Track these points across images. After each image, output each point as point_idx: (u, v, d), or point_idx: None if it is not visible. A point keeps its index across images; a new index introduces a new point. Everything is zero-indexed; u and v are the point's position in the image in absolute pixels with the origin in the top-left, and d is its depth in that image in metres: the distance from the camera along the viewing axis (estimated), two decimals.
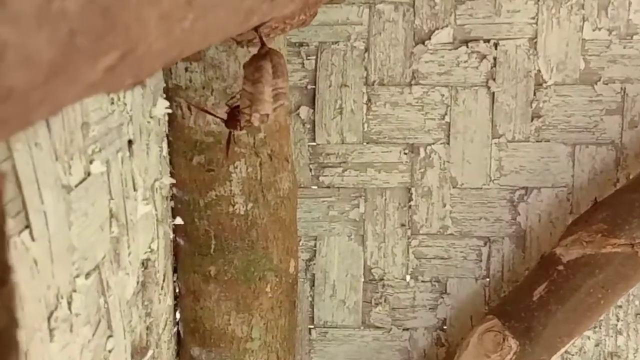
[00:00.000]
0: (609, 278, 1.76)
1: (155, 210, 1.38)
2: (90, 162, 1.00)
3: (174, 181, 1.63)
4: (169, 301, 1.59)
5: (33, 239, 0.82)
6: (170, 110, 1.56)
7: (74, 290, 0.93)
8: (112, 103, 1.09)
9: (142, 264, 1.27)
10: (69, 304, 0.91)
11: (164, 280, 1.54)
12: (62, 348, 0.89)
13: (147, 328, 1.30)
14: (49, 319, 0.86)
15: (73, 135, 0.94)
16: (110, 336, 1.07)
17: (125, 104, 1.15)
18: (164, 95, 1.54)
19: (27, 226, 0.81)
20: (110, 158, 1.08)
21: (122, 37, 0.51)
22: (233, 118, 1.19)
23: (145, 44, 0.56)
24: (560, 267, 1.79)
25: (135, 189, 1.21)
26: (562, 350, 1.82)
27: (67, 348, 0.90)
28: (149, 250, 1.32)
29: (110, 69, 0.52)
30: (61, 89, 0.47)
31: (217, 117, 1.33)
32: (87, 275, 0.98)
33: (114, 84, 0.61)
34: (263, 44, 1.26)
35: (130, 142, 1.19)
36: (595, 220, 1.78)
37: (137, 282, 1.23)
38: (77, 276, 0.94)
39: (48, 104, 0.47)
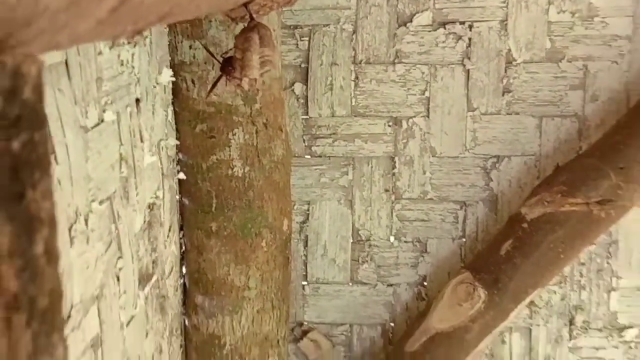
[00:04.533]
0: (567, 234, 1.96)
1: (161, 164, 1.60)
2: (104, 111, 1.22)
3: (178, 142, 1.85)
4: (174, 249, 1.81)
5: (57, 162, 1.04)
6: (173, 79, 1.77)
7: (90, 211, 1.15)
8: (122, 65, 1.31)
9: (149, 206, 1.49)
10: (86, 220, 1.13)
11: (169, 230, 1.76)
12: (80, 255, 1.11)
13: (153, 262, 1.52)
14: (69, 229, 1.08)
15: (89, 87, 1.16)
16: (120, 257, 1.29)
17: (133, 67, 1.37)
18: (170, 68, 1.76)
19: (52, 152, 1.03)
20: (120, 110, 1.30)
21: None
22: (227, 64, 1.40)
23: None
24: (525, 225, 1.99)
25: (142, 141, 1.43)
26: (527, 300, 2.03)
27: (84, 256, 1.12)
28: (155, 196, 1.54)
29: (112, 10, 0.74)
30: (77, 20, 0.69)
31: (216, 59, 1.53)
32: (101, 202, 1.20)
33: (118, 28, 0.83)
34: (252, 18, 1.48)
35: (137, 100, 1.41)
36: (556, 183, 1.98)
37: (144, 221, 1.45)
38: (93, 201, 1.17)
39: (69, 30, 0.69)
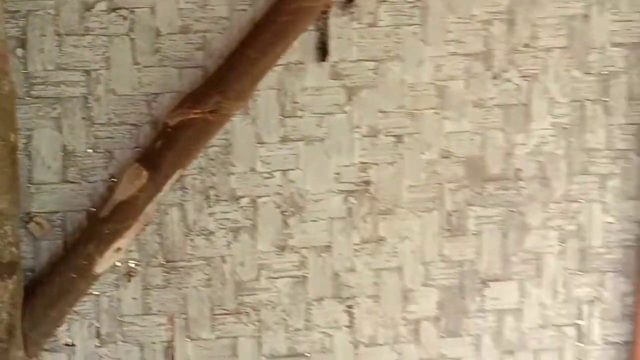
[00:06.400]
0: (194, 133, 3.24)
1: None
2: None
3: None
4: None
5: None
6: None
7: None
8: None
9: None
10: None
11: None
12: None
13: None
14: None
15: None
16: None
17: None
18: None
19: None
20: None
21: None
22: None
23: None
24: (169, 129, 3.25)
25: None
26: (174, 177, 3.27)
27: None
28: None
29: None
30: None
31: None
32: None
33: None
34: None
35: None
36: (186, 101, 3.26)
37: None
38: None
39: None
